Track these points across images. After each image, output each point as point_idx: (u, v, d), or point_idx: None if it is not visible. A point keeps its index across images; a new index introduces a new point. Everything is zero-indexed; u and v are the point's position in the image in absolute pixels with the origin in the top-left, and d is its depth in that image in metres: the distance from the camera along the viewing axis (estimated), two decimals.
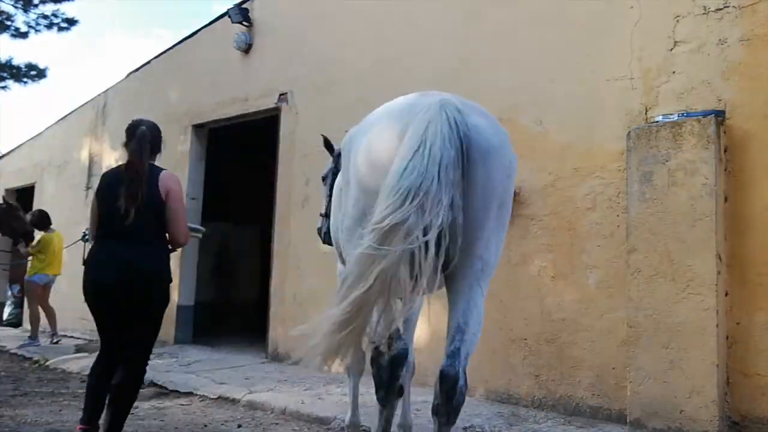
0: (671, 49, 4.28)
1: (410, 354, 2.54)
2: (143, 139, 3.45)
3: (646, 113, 4.34)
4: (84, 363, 6.83)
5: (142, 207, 3.30)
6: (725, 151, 3.96)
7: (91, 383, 3.41)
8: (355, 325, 2.24)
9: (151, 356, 6.59)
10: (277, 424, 4.44)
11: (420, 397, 4.95)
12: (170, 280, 3.49)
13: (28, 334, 8.66)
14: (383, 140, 2.49)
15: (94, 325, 3.42)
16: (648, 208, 3.99)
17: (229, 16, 7.42)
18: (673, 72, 4.26)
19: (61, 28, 13.23)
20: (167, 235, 3.45)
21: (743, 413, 3.79)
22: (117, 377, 3.28)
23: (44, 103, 48.98)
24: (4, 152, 13.80)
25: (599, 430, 4.13)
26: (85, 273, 3.39)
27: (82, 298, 3.37)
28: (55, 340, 8.54)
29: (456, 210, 2.27)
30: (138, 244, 3.31)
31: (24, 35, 13.11)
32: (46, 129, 11.67)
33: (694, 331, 3.75)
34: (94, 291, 3.34)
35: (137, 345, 3.38)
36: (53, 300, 10.47)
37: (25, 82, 13.81)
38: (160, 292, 3.38)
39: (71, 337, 9.26)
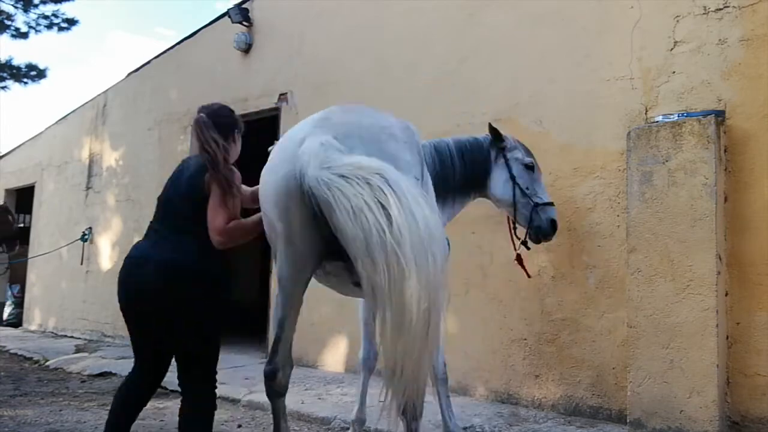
0: (671, 49, 4.28)
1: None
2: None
3: (646, 113, 4.34)
4: (84, 363, 6.84)
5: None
6: (725, 151, 3.96)
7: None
8: None
9: None
10: None
11: None
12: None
13: (29, 334, 8.64)
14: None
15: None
16: (648, 208, 3.99)
17: (229, 16, 7.42)
18: (673, 72, 4.26)
19: (61, 28, 13.19)
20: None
21: (743, 413, 3.79)
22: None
23: (44, 103, 48.99)
24: (4, 152, 13.79)
25: (599, 430, 4.13)
26: None
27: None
28: None
29: None
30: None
31: (24, 35, 13.07)
32: (46, 129, 11.67)
33: (694, 331, 3.75)
34: None
35: None
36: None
37: (25, 82, 13.76)
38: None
39: (71, 337, 9.28)
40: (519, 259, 4.18)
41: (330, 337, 6.18)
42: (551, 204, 3.97)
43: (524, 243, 4.01)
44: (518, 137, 4.12)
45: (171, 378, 3.58)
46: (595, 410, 4.39)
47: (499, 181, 3.92)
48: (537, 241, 3.98)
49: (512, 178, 3.88)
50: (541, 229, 3.89)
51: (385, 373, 2.09)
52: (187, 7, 56.63)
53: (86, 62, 59.67)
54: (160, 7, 57.35)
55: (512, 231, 4.10)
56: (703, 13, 4.17)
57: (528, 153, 4.00)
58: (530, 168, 3.95)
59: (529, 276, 4.33)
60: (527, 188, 3.89)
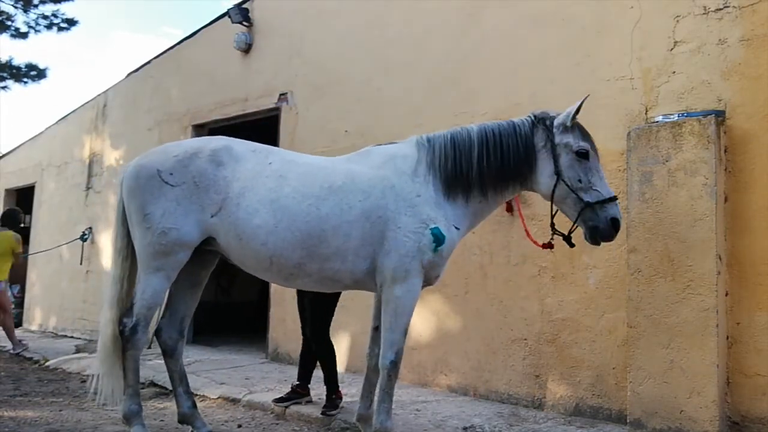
0: (671, 49, 4.28)
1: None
2: None
3: (646, 113, 4.34)
4: (84, 363, 6.82)
5: None
6: (725, 151, 3.96)
7: None
8: None
9: (151, 356, 6.64)
10: (277, 424, 4.44)
11: (420, 397, 4.95)
12: None
13: (29, 334, 8.63)
14: None
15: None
16: (648, 208, 3.99)
17: (229, 16, 7.42)
18: (673, 72, 4.25)
19: (60, 29, 13.21)
20: None
21: (743, 413, 3.79)
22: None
23: (44, 103, 48.98)
24: (4, 152, 13.79)
25: (599, 430, 4.13)
26: None
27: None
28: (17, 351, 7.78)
29: None
30: None
31: (24, 35, 13.09)
32: (46, 129, 11.67)
33: (694, 331, 3.75)
34: None
35: None
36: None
37: (26, 82, 13.79)
38: None
39: (71, 337, 9.27)
40: (549, 246, 3.63)
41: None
42: (611, 199, 3.27)
43: (568, 239, 3.41)
44: None
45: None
46: (595, 410, 4.38)
47: (543, 173, 3.34)
48: (595, 243, 3.34)
49: (557, 173, 3.29)
50: (599, 230, 3.26)
51: None
52: (194, 6, 56.60)
53: (89, 62, 59.65)
54: (167, 6, 57.29)
55: (552, 217, 3.48)
56: (703, 13, 4.16)
57: (583, 136, 3.35)
58: (583, 156, 3.29)
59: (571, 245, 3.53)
60: (579, 180, 3.27)
